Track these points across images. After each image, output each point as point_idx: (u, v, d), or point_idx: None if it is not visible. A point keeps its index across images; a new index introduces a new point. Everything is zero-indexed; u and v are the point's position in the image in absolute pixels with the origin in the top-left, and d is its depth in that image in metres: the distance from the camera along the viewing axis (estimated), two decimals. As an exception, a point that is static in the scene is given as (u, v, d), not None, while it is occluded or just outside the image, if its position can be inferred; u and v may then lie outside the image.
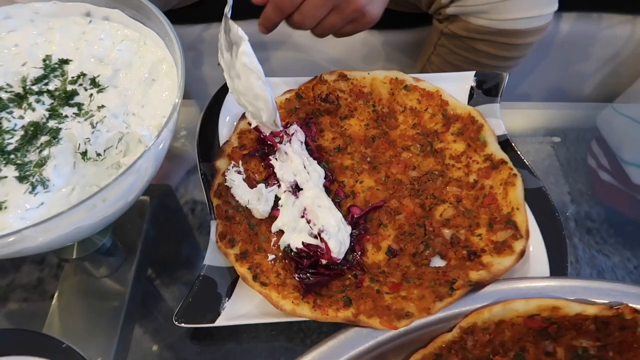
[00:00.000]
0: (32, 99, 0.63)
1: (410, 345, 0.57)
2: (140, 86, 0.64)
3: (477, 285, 0.58)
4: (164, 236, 0.77)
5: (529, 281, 0.59)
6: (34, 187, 0.55)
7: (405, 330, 0.56)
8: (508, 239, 0.64)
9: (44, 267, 0.73)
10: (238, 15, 0.66)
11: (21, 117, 0.62)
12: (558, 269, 0.63)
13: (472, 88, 0.80)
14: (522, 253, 0.62)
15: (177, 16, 0.87)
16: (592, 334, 0.57)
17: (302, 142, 0.71)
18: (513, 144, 0.73)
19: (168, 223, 0.79)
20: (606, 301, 0.57)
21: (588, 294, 0.58)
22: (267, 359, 0.65)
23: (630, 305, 0.56)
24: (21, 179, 0.56)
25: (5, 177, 0.56)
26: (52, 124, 0.61)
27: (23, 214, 0.53)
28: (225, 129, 0.76)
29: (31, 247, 0.52)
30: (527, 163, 0.71)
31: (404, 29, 1.17)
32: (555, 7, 0.95)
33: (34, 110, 0.62)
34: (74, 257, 0.69)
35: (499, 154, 0.71)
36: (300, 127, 0.72)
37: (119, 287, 0.71)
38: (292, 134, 0.71)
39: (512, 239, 0.63)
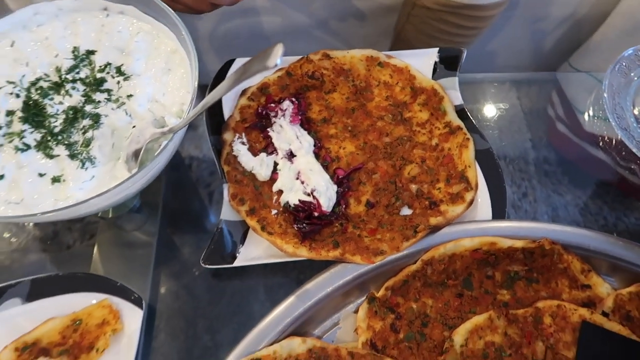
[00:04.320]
0: (68, 86, 0.74)
1: (384, 275, 0.75)
2: (159, 75, 0.76)
3: (435, 228, 0.75)
4: (177, 193, 0.92)
5: (475, 224, 0.77)
6: (83, 164, 0.69)
7: (380, 264, 0.73)
8: (461, 190, 0.80)
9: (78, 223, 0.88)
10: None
11: (61, 103, 0.73)
12: (499, 213, 0.79)
13: (435, 63, 0.93)
14: (471, 202, 0.78)
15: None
16: (521, 261, 0.75)
17: (294, 115, 0.85)
18: (467, 112, 0.88)
19: (179, 181, 0.93)
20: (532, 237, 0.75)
21: (520, 232, 0.75)
22: (267, 293, 0.81)
23: (549, 239, 0.74)
24: (72, 156, 0.69)
25: (59, 155, 0.70)
26: (88, 108, 0.73)
27: (81, 186, 0.67)
28: (228, 105, 0.89)
29: (90, 210, 0.66)
30: (478, 128, 0.86)
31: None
32: None
33: (71, 96, 0.74)
34: (110, 216, 0.84)
35: (456, 121, 0.86)
36: (291, 102, 0.86)
37: (146, 239, 0.86)
38: (285, 110, 0.85)
39: (464, 190, 0.79)
